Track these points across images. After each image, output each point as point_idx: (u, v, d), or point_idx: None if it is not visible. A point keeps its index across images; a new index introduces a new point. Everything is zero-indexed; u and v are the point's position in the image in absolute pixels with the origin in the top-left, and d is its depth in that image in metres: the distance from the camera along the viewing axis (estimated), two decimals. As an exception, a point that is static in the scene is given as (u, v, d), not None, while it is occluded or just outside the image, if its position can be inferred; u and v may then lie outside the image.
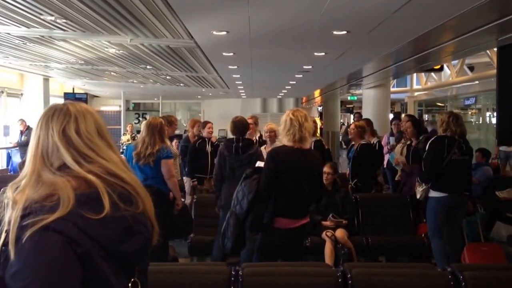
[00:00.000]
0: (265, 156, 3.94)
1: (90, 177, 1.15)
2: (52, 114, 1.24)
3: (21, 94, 13.02)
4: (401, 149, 6.25)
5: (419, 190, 4.66)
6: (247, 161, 4.58)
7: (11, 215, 1.09)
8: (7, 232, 1.08)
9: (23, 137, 10.84)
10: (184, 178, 6.57)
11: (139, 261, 1.24)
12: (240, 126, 4.83)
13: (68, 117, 1.23)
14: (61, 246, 1.05)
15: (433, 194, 4.59)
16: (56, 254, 1.05)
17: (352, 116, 26.22)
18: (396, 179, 6.39)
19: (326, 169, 5.11)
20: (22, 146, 10.76)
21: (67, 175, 1.16)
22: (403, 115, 12.54)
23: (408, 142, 6.08)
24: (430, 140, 4.72)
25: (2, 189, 1.17)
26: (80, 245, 1.07)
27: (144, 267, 1.27)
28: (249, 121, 6.70)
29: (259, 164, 3.82)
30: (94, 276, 1.09)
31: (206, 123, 6.64)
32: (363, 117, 10.39)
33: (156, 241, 1.25)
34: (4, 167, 11.70)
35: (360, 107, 13.33)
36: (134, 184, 1.22)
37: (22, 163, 4.83)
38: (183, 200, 6.12)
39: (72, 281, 1.06)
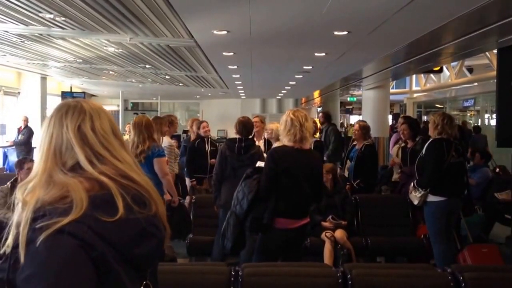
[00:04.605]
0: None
1: (103, 178, 1.12)
2: (66, 111, 1.20)
3: (18, 93, 12.97)
4: (397, 150, 6.26)
5: (416, 196, 4.43)
6: (249, 161, 4.54)
7: (21, 216, 1.05)
8: (18, 234, 1.04)
9: (20, 136, 10.79)
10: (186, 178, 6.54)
11: (152, 263, 1.21)
12: (249, 126, 4.83)
13: (83, 114, 1.19)
14: (75, 250, 1.02)
15: (432, 198, 4.40)
16: (70, 258, 1.01)
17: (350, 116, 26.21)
18: (393, 179, 6.39)
19: (326, 168, 5.09)
20: (19, 145, 10.72)
21: (80, 176, 1.13)
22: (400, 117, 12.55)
23: (403, 144, 6.08)
24: (428, 144, 4.52)
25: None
26: (95, 249, 1.04)
27: (154, 269, 1.25)
28: (255, 119, 6.66)
29: (260, 164, 3.80)
30: (110, 280, 1.07)
31: (200, 122, 6.61)
32: (362, 118, 10.38)
33: (168, 242, 1.23)
34: (0, 166, 11.66)
35: (360, 108, 13.31)
36: (147, 186, 1.19)
37: (18, 162, 4.78)
38: (182, 200, 6.09)
39: (86, 287, 1.03)
